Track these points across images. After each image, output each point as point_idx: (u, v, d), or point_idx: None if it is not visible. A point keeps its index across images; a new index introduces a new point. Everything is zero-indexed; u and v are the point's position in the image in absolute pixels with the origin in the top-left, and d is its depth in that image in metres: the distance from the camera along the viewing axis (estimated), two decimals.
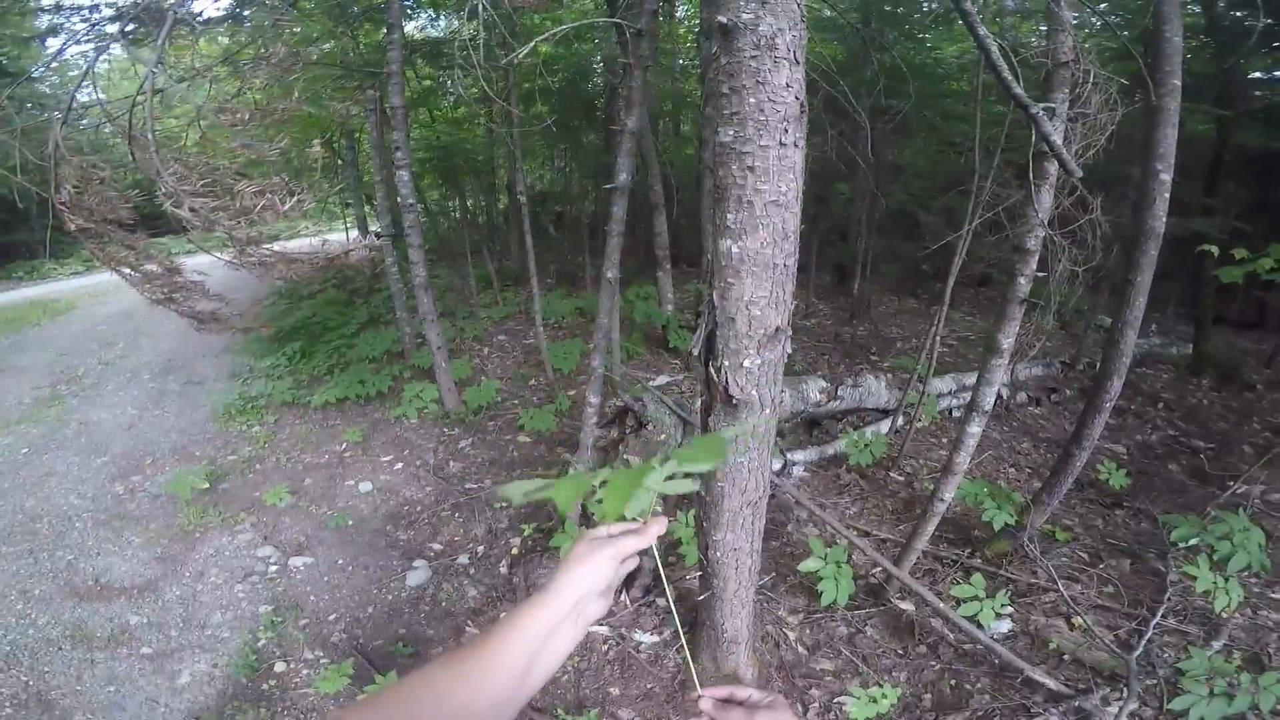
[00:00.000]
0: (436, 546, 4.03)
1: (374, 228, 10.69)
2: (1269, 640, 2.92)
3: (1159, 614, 2.99)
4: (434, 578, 3.74)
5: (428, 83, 9.02)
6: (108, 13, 7.20)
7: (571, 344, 6.60)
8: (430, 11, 8.36)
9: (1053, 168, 2.14)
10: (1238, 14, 6.06)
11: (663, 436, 3.86)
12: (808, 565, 3.03)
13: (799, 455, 4.60)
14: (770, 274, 1.57)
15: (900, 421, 4.95)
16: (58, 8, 7.42)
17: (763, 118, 1.41)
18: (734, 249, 1.52)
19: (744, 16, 1.47)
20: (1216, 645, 2.81)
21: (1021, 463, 4.87)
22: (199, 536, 4.17)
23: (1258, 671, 2.41)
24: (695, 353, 1.66)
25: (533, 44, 1.80)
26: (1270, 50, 6.48)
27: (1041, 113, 1.59)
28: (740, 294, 1.58)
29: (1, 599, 3.59)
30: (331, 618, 3.47)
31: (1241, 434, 5.27)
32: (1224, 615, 2.89)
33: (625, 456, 3.82)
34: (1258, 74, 7.23)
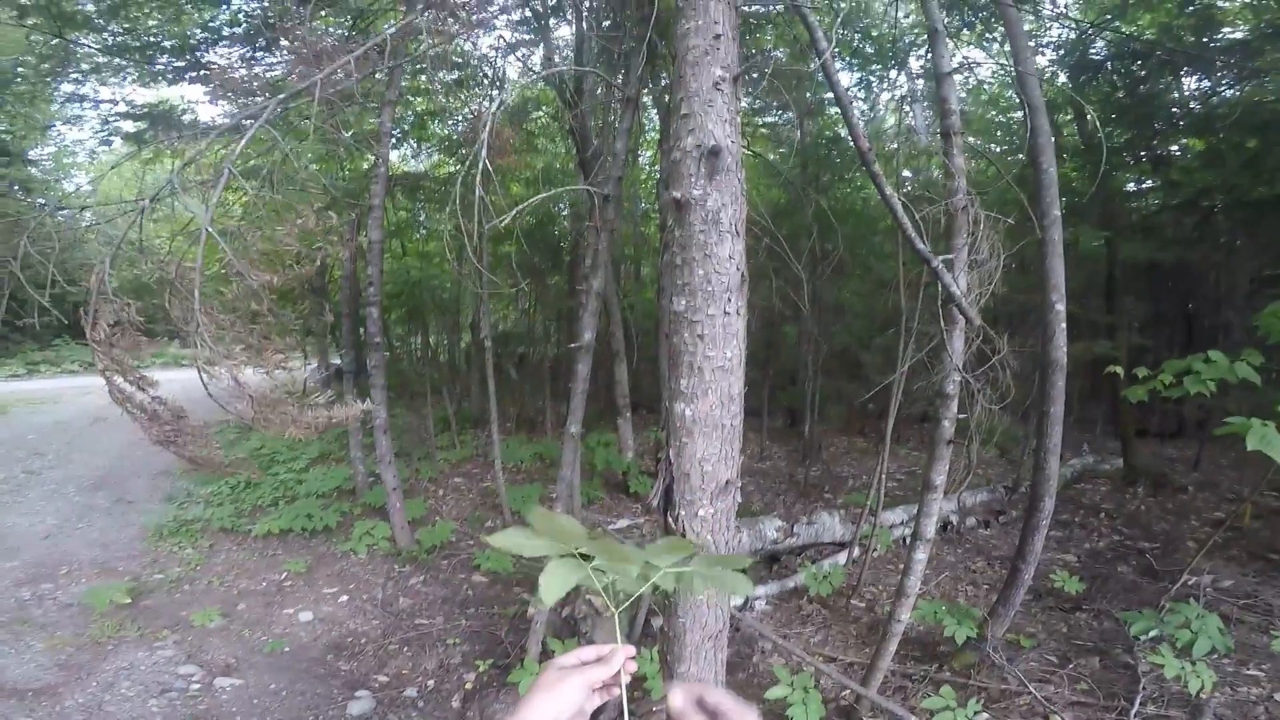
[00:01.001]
0: (382, 679, 3.81)
1: (335, 360, 10.70)
2: (1256, 713, 2.97)
3: (1137, 702, 3.02)
4: (378, 709, 3.50)
5: (403, 214, 9.46)
6: (123, 108, 7.68)
7: (530, 488, 6.64)
8: (414, 143, 8.97)
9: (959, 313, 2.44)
10: (1107, 129, 6.85)
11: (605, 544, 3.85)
12: (775, 692, 3.00)
13: (760, 590, 4.65)
14: (719, 433, 1.75)
15: (856, 553, 5.10)
16: (78, 98, 7.84)
17: (709, 288, 1.65)
18: (687, 411, 1.71)
19: (695, 192, 1.75)
20: None
21: (978, 580, 4.98)
22: (112, 649, 3.85)
23: None
24: (655, 504, 1.80)
25: (514, 212, 2.04)
26: (1136, 162, 7.40)
27: (940, 265, 1.88)
28: (693, 452, 1.74)
29: None
30: None
31: (1182, 532, 5.53)
32: (1203, 696, 2.93)
33: (587, 597, 3.80)
34: (1131, 186, 8.16)
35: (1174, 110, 6.94)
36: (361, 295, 5.66)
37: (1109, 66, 6.68)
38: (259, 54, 6.98)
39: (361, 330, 6.38)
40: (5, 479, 6.94)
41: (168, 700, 3.42)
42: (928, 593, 4.48)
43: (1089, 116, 6.96)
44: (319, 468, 7.29)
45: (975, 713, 2.90)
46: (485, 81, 6.61)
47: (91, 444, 8.34)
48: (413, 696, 3.64)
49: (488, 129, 2.00)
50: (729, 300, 1.66)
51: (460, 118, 8.06)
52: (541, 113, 8.44)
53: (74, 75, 7.65)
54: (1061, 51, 7.16)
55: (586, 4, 5.33)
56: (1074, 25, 6.51)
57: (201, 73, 7.29)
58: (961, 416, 2.53)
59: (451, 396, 9.95)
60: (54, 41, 6.75)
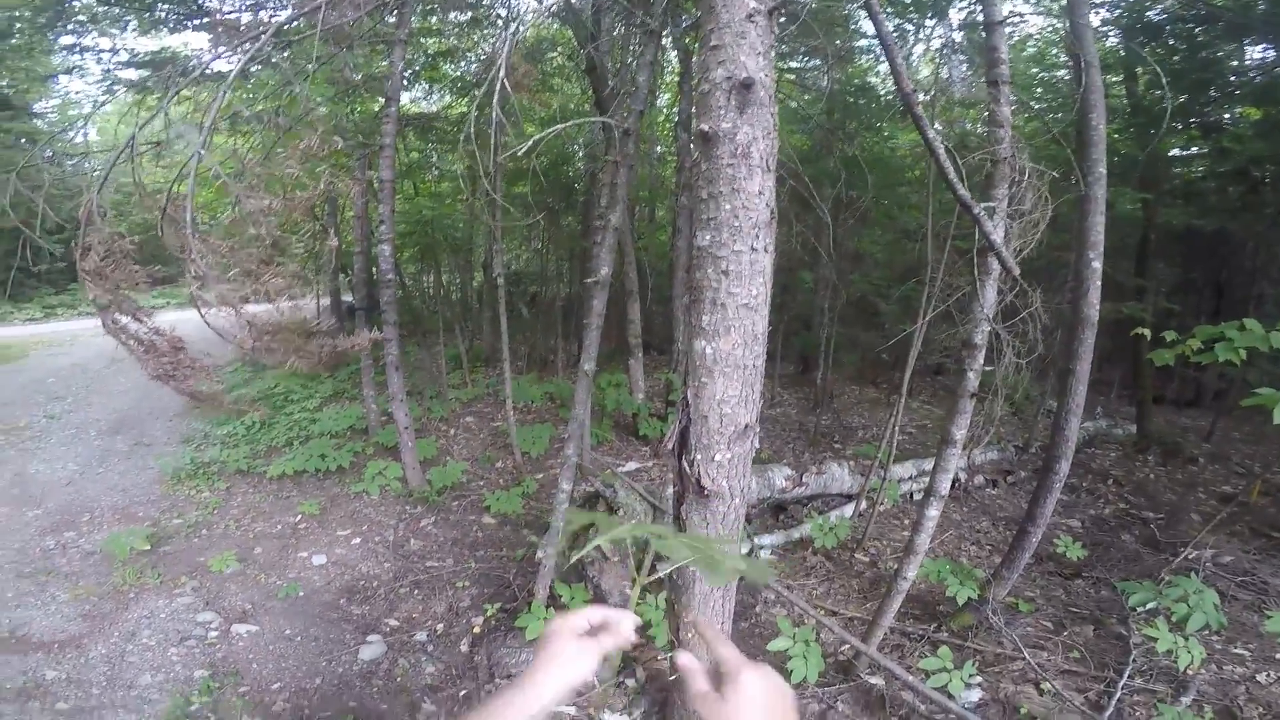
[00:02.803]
0: (393, 622, 3.90)
1: (347, 298, 10.68)
2: (1237, 693, 3.01)
3: (1125, 675, 3.07)
4: (389, 653, 3.61)
5: (415, 155, 9.27)
6: (124, 57, 7.50)
7: (541, 428, 6.63)
8: (425, 84, 8.71)
9: (995, 264, 2.35)
10: (1156, 93, 6.67)
11: (633, 522, 3.88)
12: (777, 644, 3.04)
13: (766, 539, 4.67)
14: (741, 374, 1.68)
15: (864, 506, 5.08)
16: (78, 49, 7.66)
17: (737, 224, 1.57)
18: (708, 350, 1.64)
19: (723, 125, 1.65)
20: (1186, 701, 2.89)
21: (982, 540, 4.99)
22: (133, 597, 3.98)
23: None
24: (670, 447, 1.76)
25: (530, 144, 1.95)
26: (1185, 127, 7.12)
27: (983, 213, 1.79)
28: (713, 393, 1.68)
29: None
30: (275, 686, 3.31)
31: (1188, 504, 5.52)
32: (1189, 672, 2.98)
33: (596, 543, 3.84)
34: (1176, 151, 7.88)
35: (1232, 78, 6.60)
36: (374, 233, 5.56)
37: (1168, 30, 6.32)
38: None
39: (374, 268, 6.31)
40: (28, 424, 7.09)
41: (187, 649, 3.54)
42: (932, 551, 4.50)
43: (1141, 78, 6.65)
44: (332, 406, 7.34)
45: (970, 675, 2.95)
46: (499, 21, 6.33)
47: (109, 386, 8.49)
48: (422, 640, 3.73)
49: (506, 51, 1.88)
50: (757, 236, 1.58)
51: (474, 58, 7.78)
52: (557, 52, 8.13)
53: (71, 26, 7.41)
54: (1118, 11, 6.74)
55: None
56: None
57: (204, 20, 7.03)
58: (987, 369, 2.47)
59: (464, 334, 10.00)
60: None
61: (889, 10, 7.10)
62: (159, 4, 6.95)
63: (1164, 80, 5.25)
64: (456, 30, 6.80)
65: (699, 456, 1.71)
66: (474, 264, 10.53)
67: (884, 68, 7.97)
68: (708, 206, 1.61)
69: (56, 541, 4.65)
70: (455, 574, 4.40)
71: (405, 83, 7.60)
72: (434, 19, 6.89)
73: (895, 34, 7.57)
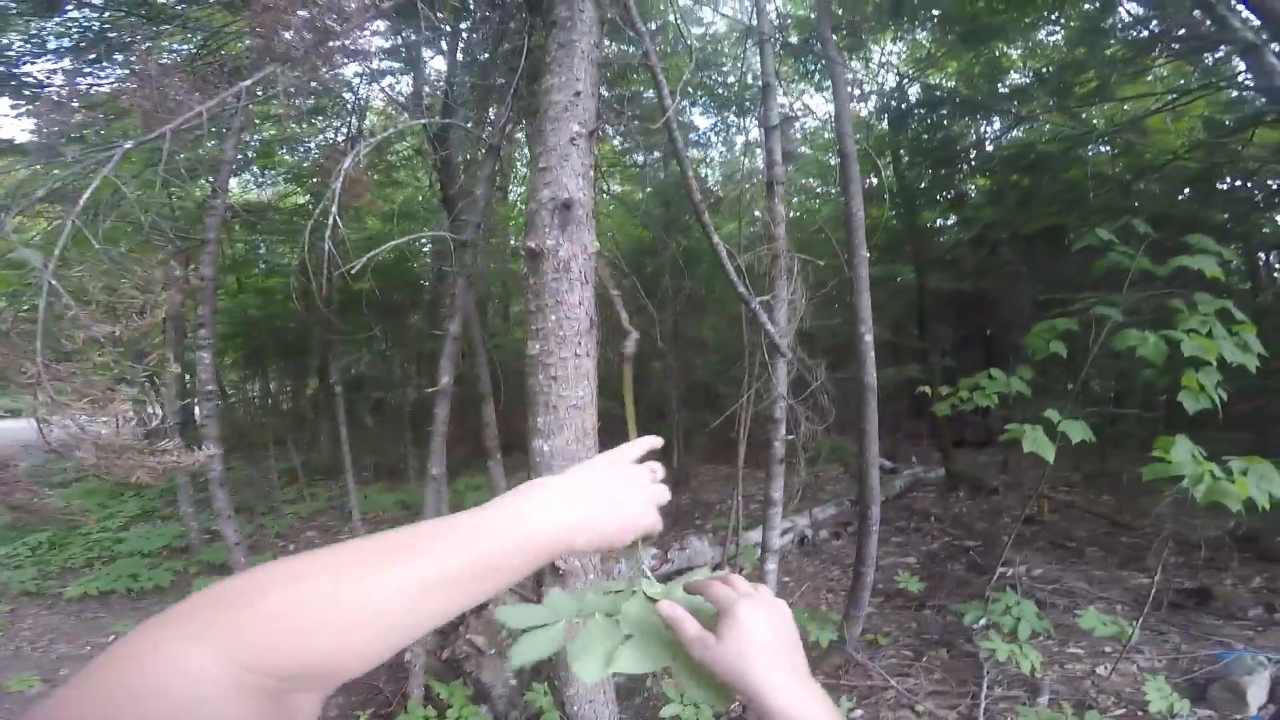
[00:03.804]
0: None
1: (155, 410, 9.47)
2: (1085, 687, 3.43)
3: (985, 687, 3.40)
4: None
5: (240, 247, 8.64)
6: None
7: None
8: (256, 170, 8.24)
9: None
10: (917, 170, 7.90)
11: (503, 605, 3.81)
12: (669, 710, 3.13)
13: None
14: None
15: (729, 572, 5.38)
16: None
17: (561, 333, 1.77)
18: (545, 447, 1.80)
19: (548, 243, 1.87)
20: (1043, 701, 3.25)
21: (835, 587, 5.40)
22: None
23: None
24: None
25: (367, 257, 2.03)
26: (938, 200, 8.48)
27: (758, 305, 2.14)
28: None
29: None
30: None
31: (997, 529, 6.33)
32: (1036, 676, 3.34)
33: (468, 637, 3.71)
34: (938, 222, 9.34)
35: (966, 152, 8.08)
36: (188, 338, 5.11)
37: (919, 113, 7.70)
38: (90, 68, 6.21)
39: (188, 377, 5.75)
40: None
41: None
42: (794, 603, 4.80)
43: (901, 159, 7.98)
44: (141, 526, 6.49)
45: (850, 709, 3.17)
46: (346, 111, 6.26)
47: None
48: None
49: (340, 179, 1.99)
50: (579, 343, 1.79)
51: (314, 145, 7.58)
52: (405, 144, 8.19)
53: None
54: (882, 100, 8.12)
55: (460, 38, 5.29)
56: (895, 73, 7.47)
57: (17, 86, 6.33)
58: (792, 438, 2.83)
59: (299, 446, 9.11)
60: None
61: (710, 106, 8.11)
62: None
63: (904, 161, 6.28)
64: (299, 116, 6.62)
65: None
66: (308, 368, 9.79)
67: (714, 154, 8.96)
68: (536, 318, 1.79)
69: None
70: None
71: (234, 168, 7.23)
72: (274, 104, 6.70)
73: (716, 127, 8.63)
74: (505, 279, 10.42)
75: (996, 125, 8.25)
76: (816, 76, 7.45)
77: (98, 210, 3.98)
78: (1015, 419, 3.16)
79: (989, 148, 8.15)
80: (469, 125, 4.23)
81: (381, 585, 0.43)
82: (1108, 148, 7.08)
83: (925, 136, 7.76)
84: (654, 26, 5.98)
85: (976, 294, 8.88)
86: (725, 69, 7.41)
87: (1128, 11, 5.95)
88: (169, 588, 5.30)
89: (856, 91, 7.58)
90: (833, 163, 9.45)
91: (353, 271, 1.92)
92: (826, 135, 9.39)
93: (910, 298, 8.48)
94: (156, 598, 5.23)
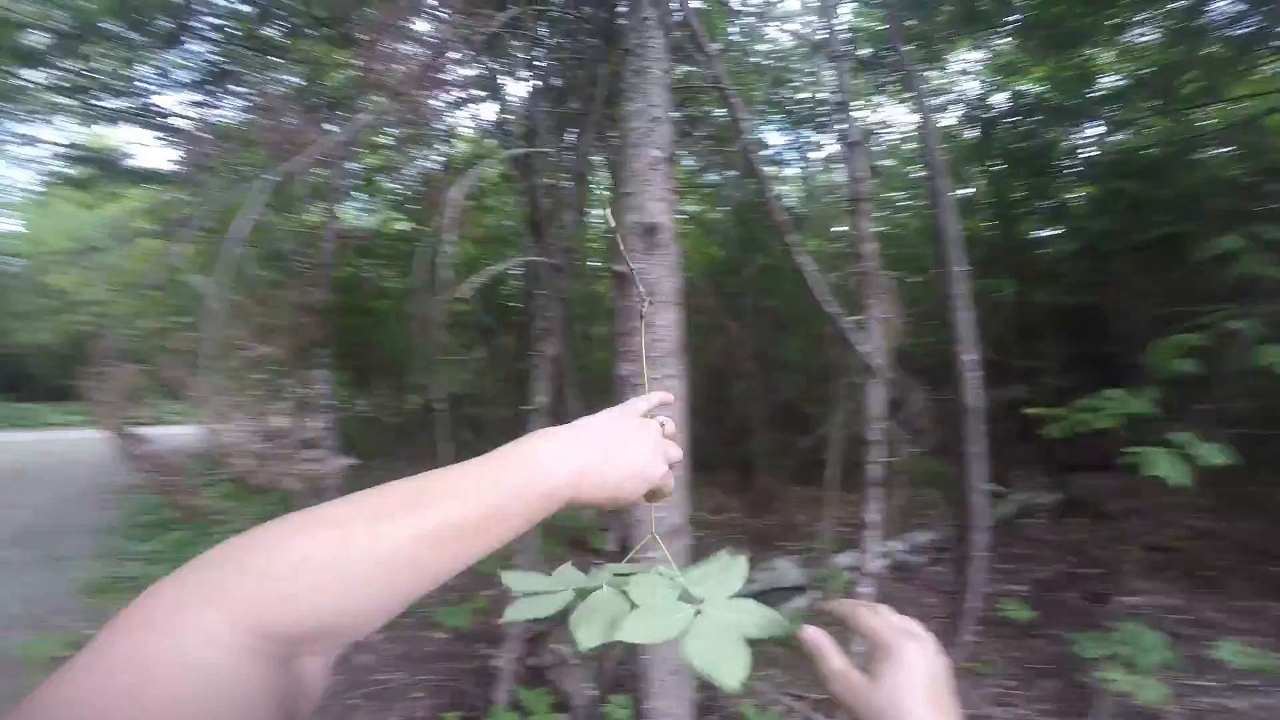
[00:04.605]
0: None
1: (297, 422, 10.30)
2: None
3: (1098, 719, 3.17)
4: None
5: (348, 270, 9.31)
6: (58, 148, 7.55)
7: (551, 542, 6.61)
8: (362, 197, 8.87)
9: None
10: (1012, 181, 7.52)
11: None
12: None
13: None
14: None
15: (815, 596, 5.23)
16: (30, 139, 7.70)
17: (651, 355, 1.82)
18: None
19: (634, 267, 1.94)
20: None
21: (933, 614, 5.15)
22: None
23: None
24: (612, 549, 1.91)
25: (477, 280, 2.17)
26: (1037, 211, 7.96)
27: (849, 326, 2.10)
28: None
29: None
30: None
31: (1120, 556, 5.85)
32: (1159, 709, 3.05)
33: (553, 645, 3.81)
34: (1036, 234, 8.73)
35: (1064, 160, 7.58)
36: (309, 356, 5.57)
37: (1009, 121, 7.33)
38: (211, 99, 7.04)
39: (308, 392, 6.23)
40: None
41: None
42: None
43: (992, 170, 7.59)
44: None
45: None
46: (439, 139, 6.64)
47: (13, 498, 8.01)
48: None
49: (448, 208, 2.15)
50: (668, 365, 1.83)
51: (410, 173, 8.06)
52: (491, 171, 8.58)
53: (17, 113, 7.58)
54: (968, 109, 7.79)
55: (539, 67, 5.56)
56: (979, 81, 7.15)
57: (153, 117, 7.27)
58: (887, 461, 2.74)
59: (407, 459, 9.67)
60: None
61: (786, 124, 8.03)
62: (102, 96, 7.13)
63: (998, 171, 5.96)
64: (396, 145, 7.05)
65: (635, 555, 1.85)
66: (410, 386, 10.40)
67: (790, 172, 8.85)
68: (625, 340, 1.85)
69: None
70: (409, 686, 4.27)
71: (342, 196, 7.82)
72: (373, 133, 7.22)
73: (794, 144, 8.52)
74: (587, 301, 10.67)
75: (1095, 131, 7.74)
76: (893, 89, 7.26)
77: (241, 238, 4.48)
78: (1137, 440, 2.91)
79: (1090, 154, 7.61)
80: (554, 152, 4.43)
81: (388, 538, 0.42)
82: (1225, 150, 6.46)
83: (1019, 145, 7.37)
84: (719, 47, 6.03)
85: (1086, 309, 8.25)
86: (796, 85, 7.33)
87: (1222, 11, 5.46)
88: None
89: (937, 101, 7.31)
90: (917, 176, 9.12)
91: (460, 294, 2.06)
92: (906, 148, 9.11)
93: (1012, 314, 7.99)
94: None
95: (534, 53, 4.82)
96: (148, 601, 0.38)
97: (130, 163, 8.50)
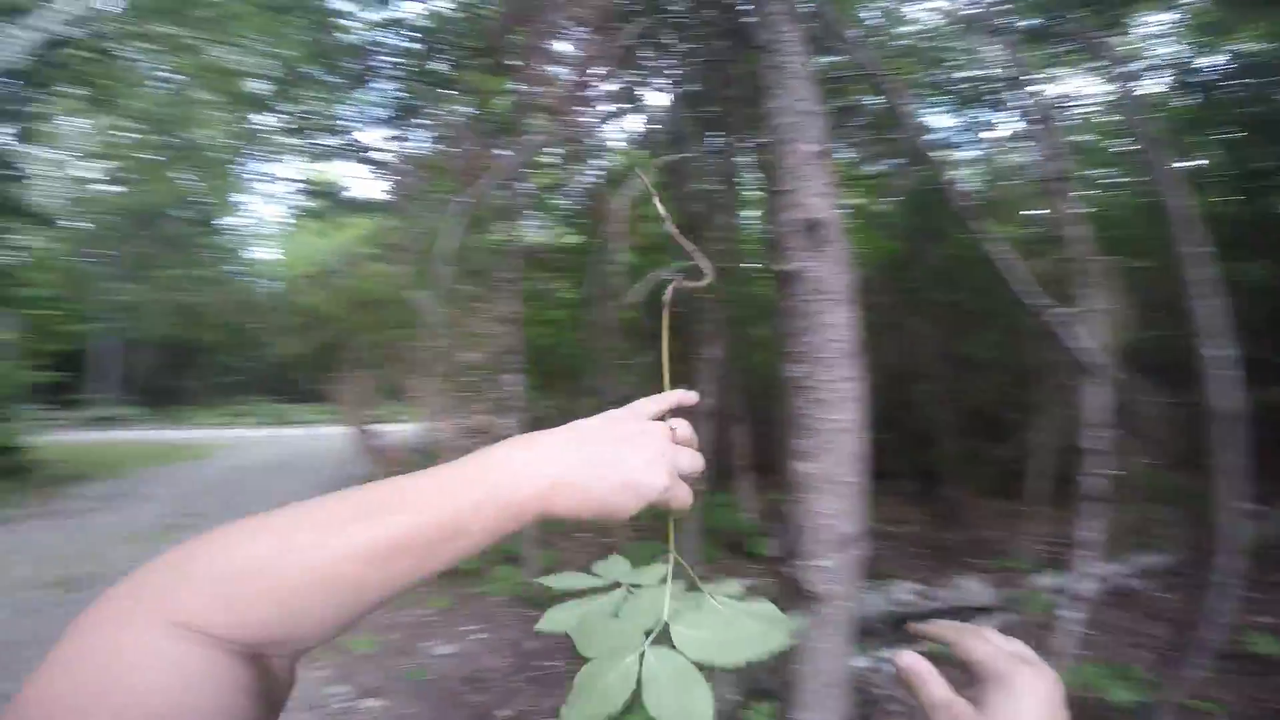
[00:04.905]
0: (507, 712, 4.06)
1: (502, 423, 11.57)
2: None
3: None
4: None
5: (528, 284, 10.15)
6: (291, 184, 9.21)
7: (650, 545, 6.70)
8: (535, 215, 9.61)
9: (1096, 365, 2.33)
10: (1250, 150, 6.27)
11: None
12: None
13: (888, 652, 4.45)
14: (839, 490, 1.82)
15: (1004, 618, 4.74)
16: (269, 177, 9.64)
17: (821, 355, 1.77)
18: (808, 470, 1.80)
19: (798, 264, 1.90)
20: None
21: (1152, 645, 4.47)
22: None
23: None
24: (777, 554, 1.89)
25: (637, 288, 2.27)
26: None
27: (1056, 319, 1.85)
28: (814, 507, 1.82)
29: None
30: None
31: None
32: None
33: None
34: None
35: None
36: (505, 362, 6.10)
37: (1227, 85, 6.11)
38: (401, 131, 8.07)
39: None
40: (206, 511, 8.14)
41: (315, 714, 3.88)
42: (1092, 658, 4.07)
43: (1223, 138, 6.32)
44: None
45: None
46: (594, 153, 6.98)
47: (277, 486, 9.71)
48: None
49: (614, 219, 2.27)
50: (843, 365, 1.76)
51: (575, 189, 8.56)
52: (648, 179, 8.81)
53: (257, 154, 9.36)
54: (1178, 73, 6.62)
55: (675, 71, 5.59)
56: (1186, 44, 6.02)
57: (359, 152, 8.56)
58: (1108, 472, 2.37)
59: None
60: (238, 124, 8.33)
61: (952, 104, 7.29)
62: (317, 136, 8.51)
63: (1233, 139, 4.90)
64: (559, 164, 7.54)
65: (802, 563, 1.81)
66: (582, 390, 11.03)
67: (966, 155, 8.04)
68: (795, 341, 1.82)
69: None
70: (569, 673, 4.53)
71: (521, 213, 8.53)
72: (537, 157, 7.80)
73: (966, 125, 7.71)
74: (745, 301, 10.57)
75: None
76: (1074, 58, 6.29)
77: (447, 258, 5.09)
78: None
79: None
80: (700, 155, 4.45)
81: (331, 549, 0.40)
82: None
83: (1255, 110, 6.06)
84: (857, 34, 5.65)
85: None
86: (956, 64, 6.64)
87: None
88: (476, 572, 6.13)
89: (1131, 68, 6.21)
90: (1124, 150, 7.82)
91: (628, 301, 2.16)
92: (1104, 121, 7.83)
93: (1265, 301, 6.57)
94: (466, 578, 6.09)
95: (667, 61, 4.92)
96: (106, 605, 0.38)
97: (349, 194, 10.11)
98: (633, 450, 0.52)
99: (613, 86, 4.47)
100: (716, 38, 3.52)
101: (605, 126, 5.59)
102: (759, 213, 10.12)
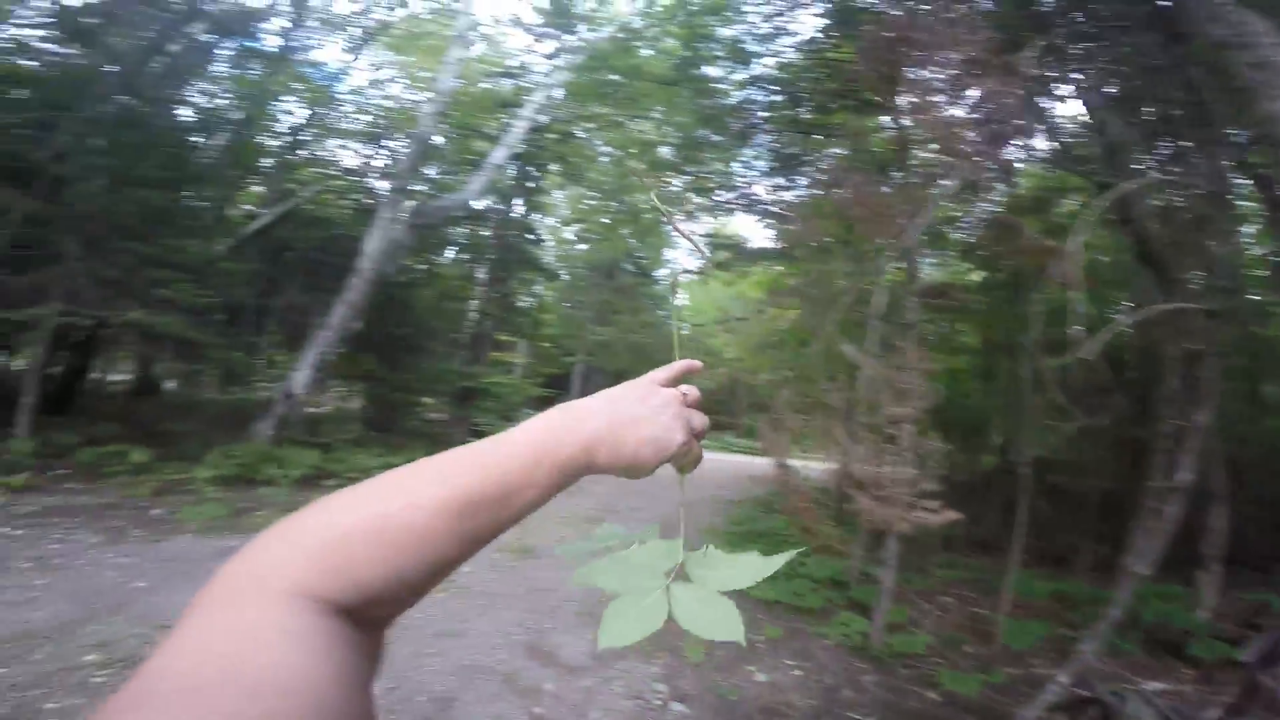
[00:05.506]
0: None
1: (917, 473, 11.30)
2: None
3: None
4: None
5: (927, 326, 9.62)
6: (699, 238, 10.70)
7: (1034, 624, 5.72)
8: (933, 252, 8.96)
9: None
10: None
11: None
12: None
13: None
14: None
15: None
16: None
17: None
18: None
19: None
20: None
21: None
22: (623, 657, 4.86)
23: None
24: (1250, 659, 1.46)
25: (1103, 336, 2.01)
26: None
27: None
28: None
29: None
30: None
31: None
32: None
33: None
34: None
35: None
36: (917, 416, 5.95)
37: None
38: (786, 181, 8.59)
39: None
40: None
41: (635, 705, 4.25)
42: None
43: None
44: (819, 556, 7.88)
45: None
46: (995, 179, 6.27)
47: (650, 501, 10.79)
48: None
49: (1068, 261, 2.06)
50: None
51: (972, 220, 7.75)
52: (1072, 203, 7.39)
53: (674, 212, 11.30)
54: None
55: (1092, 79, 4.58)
56: None
57: (753, 204, 9.44)
58: None
59: (969, 515, 9.18)
60: (660, 186, 10.22)
61: None
62: (717, 192, 9.69)
63: None
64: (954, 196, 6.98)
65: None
66: (987, 444, 9.85)
67: None
68: None
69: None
70: None
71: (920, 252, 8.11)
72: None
73: None
74: (1251, 349, 7.81)
75: None
76: None
77: (879, 312, 5.15)
78: None
79: None
80: (1158, 171, 3.55)
81: (424, 509, 0.45)
82: None
83: None
84: None
85: None
86: None
87: None
88: (817, 611, 6.20)
89: None
90: None
91: (1084, 353, 1.93)
92: None
93: None
94: (804, 616, 6.18)
95: (1082, 70, 4.06)
96: (226, 581, 0.41)
97: (749, 245, 11.23)
98: (653, 412, 0.59)
99: (1012, 107, 3.96)
100: (1140, 31, 2.92)
101: (1011, 150, 4.99)
102: (1255, 230, 7.51)
